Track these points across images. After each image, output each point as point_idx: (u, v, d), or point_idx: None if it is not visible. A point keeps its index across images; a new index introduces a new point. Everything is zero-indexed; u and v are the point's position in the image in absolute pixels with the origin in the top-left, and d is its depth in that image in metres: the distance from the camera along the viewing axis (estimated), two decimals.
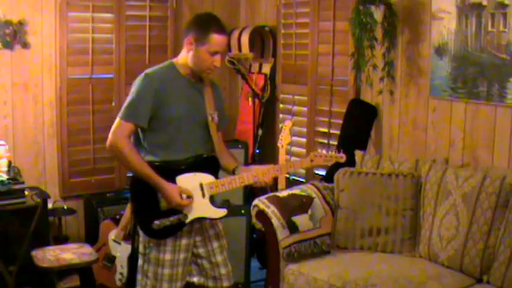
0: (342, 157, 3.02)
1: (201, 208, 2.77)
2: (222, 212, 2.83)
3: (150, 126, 2.73)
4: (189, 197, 2.73)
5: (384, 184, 3.52)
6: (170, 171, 2.73)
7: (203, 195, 2.77)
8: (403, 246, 3.46)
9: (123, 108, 2.73)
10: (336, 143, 4.23)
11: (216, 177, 2.83)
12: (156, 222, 2.68)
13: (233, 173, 2.87)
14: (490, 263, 3.06)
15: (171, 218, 2.70)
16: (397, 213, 3.47)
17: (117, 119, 2.72)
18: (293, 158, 4.83)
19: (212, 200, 2.80)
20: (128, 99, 2.73)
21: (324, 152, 2.99)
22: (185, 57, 2.78)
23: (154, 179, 2.68)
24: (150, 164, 2.71)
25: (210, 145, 2.86)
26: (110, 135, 2.70)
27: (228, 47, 5.14)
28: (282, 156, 3.83)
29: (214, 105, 2.86)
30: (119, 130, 2.69)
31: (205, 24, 2.73)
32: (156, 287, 2.80)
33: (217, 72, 2.92)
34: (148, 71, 2.77)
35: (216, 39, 2.70)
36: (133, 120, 2.69)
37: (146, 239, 2.80)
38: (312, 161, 2.96)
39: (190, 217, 2.75)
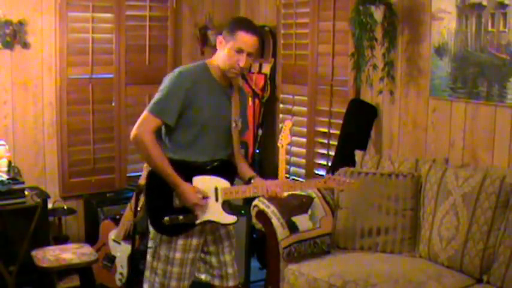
0: (355, 184, 2.99)
1: (213, 212, 2.77)
2: (232, 218, 2.83)
3: (175, 124, 2.73)
4: (204, 197, 2.73)
5: (384, 184, 3.52)
6: (187, 171, 2.74)
7: (216, 199, 2.78)
8: (403, 246, 3.46)
9: (152, 102, 2.72)
10: (336, 143, 4.23)
11: (232, 183, 2.83)
12: (167, 218, 2.69)
13: (249, 181, 2.85)
14: (490, 263, 3.06)
15: (182, 217, 2.71)
16: (397, 213, 3.47)
17: (145, 112, 2.71)
18: (293, 158, 4.83)
19: (224, 205, 2.80)
20: (159, 94, 2.72)
21: (339, 177, 2.98)
22: (217, 58, 2.79)
23: (173, 176, 2.69)
24: (168, 160, 2.71)
25: (230, 150, 2.87)
26: (135, 127, 2.70)
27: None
28: (282, 156, 3.82)
29: (239, 112, 2.86)
30: (145, 123, 2.69)
31: (235, 22, 2.77)
32: (165, 284, 2.81)
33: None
34: (181, 68, 2.78)
35: (242, 36, 2.70)
36: (161, 117, 2.69)
37: (157, 236, 2.80)
38: (325, 182, 2.94)
39: (201, 219, 2.75)
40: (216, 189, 2.77)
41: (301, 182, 2.93)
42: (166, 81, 2.74)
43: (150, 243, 2.85)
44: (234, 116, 2.83)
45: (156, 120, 2.69)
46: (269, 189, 2.78)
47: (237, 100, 2.85)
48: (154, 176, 2.74)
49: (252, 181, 2.84)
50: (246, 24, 2.75)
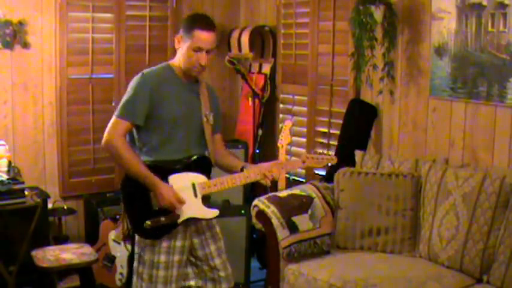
0: (333, 159, 3.02)
1: (193, 208, 2.76)
2: (214, 212, 2.83)
3: (145, 126, 2.73)
4: (181, 202, 2.72)
5: (384, 184, 3.52)
6: (164, 171, 2.73)
7: (195, 195, 2.77)
8: (403, 246, 3.46)
9: (119, 106, 2.74)
10: (336, 143, 4.23)
11: (209, 177, 2.83)
12: (148, 222, 2.67)
13: (241, 171, 2.86)
14: (490, 263, 3.06)
15: (163, 218, 2.70)
16: (397, 213, 3.47)
17: (113, 118, 2.72)
18: (292, 158, 4.83)
19: (204, 200, 2.80)
20: (124, 97, 2.74)
21: (316, 154, 2.99)
22: (178, 58, 2.80)
23: (150, 177, 2.68)
24: (144, 163, 2.71)
25: (203, 146, 2.86)
26: (105, 134, 2.70)
27: (228, 47, 5.14)
28: (282, 156, 3.82)
29: (209, 107, 2.87)
30: (114, 128, 2.70)
31: (191, 21, 2.76)
32: None
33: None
34: (145, 70, 2.78)
35: (199, 34, 2.70)
36: (129, 119, 2.70)
37: (141, 241, 2.80)
38: (303, 162, 2.97)
39: (182, 217, 2.74)
40: (193, 185, 2.77)
41: (280, 163, 2.94)
42: (131, 84, 2.75)
43: (135, 249, 2.84)
44: (204, 110, 2.84)
45: (125, 123, 2.70)
46: (248, 179, 2.80)
47: (205, 95, 2.86)
48: (128, 182, 2.73)
49: (245, 170, 2.85)
50: (201, 22, 2.74)
